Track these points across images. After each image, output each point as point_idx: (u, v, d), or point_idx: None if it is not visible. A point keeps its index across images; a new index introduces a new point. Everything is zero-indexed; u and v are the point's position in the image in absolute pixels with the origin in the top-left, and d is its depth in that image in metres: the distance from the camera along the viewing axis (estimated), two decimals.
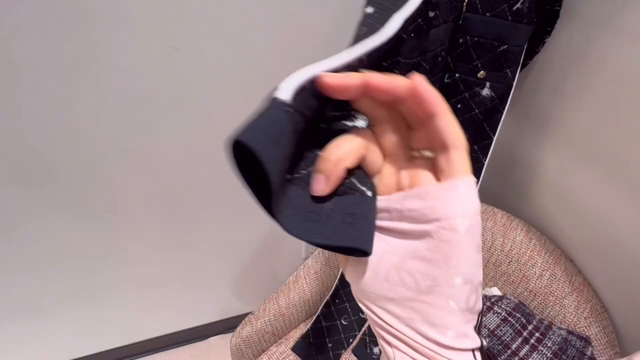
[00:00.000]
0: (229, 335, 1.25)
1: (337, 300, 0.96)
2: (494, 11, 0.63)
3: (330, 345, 0.89)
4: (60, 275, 0.89)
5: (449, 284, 0.22)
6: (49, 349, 1.02)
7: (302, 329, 0.92)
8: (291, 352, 0.87)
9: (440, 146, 0.23)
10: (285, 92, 0.20)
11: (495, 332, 0.69)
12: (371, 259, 0.25)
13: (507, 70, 0.68)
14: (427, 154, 0.24)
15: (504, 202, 0.90)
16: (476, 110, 0.72)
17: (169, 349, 1.22)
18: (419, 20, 0.52)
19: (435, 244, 0.23)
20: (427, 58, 0.61)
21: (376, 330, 0.26)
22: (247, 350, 0.87)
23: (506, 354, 0.67)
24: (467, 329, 0.23)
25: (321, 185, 0.23)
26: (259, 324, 0.88)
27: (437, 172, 0.24)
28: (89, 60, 0.65)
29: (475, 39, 0.66)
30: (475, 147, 0.77)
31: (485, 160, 0.77)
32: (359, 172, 0.24)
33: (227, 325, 1.26)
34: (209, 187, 0.88)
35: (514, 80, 0.69)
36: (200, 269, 1.05)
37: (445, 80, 0.72)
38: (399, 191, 0.25)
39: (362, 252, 0.23)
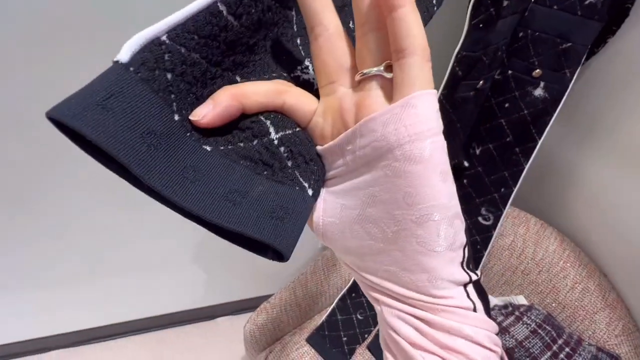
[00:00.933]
0: (236, 316, 1.25)
1: (353, 294, 0.94)
2: (563, 4, 0.58)
3: (345, 339, 0.88)
4: (74, 250, 0.87)
5: (415, 223, 0.19)
6: (61, 319, 1.03)
7: (317, 320, 0.91)
8: (305, 343, 0.86)
9: (396, 53, 0.18)
10: (125, 53, 0.16)
11: (524, 344, 0.67)
12: (332, 220, 0.22)
13: (567, 71, 0.63)
14: (375, 70, 0.20)
15: (539, 209, 0.86)
16: (525, 111, 0.68)
17: (178, 326, 1.22)
18: (492, 9, 0.47)
19: (390, 181, 0.19)
20: (489, 52, 0.57)
21: (364, 289, 0.24)
22: (261, 337, 0.86)
23: None
24: (451, 268, 0.21)
25: (203, 110, 0.19)
26: (274, 312, 0.86)
27: (392, 90, 0.19)
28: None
29: (537, 33, 0.61)
30: (517, 149, 0.73)
31: (526, 165, 0.73)
32: (276, 116, 0.21)
33: (236, 307, 1.25)
34: None
35: (571, 82, 0.65)
36: (211, 250, 1.03)
37: (496, 77, 0.68)
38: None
39: (278, 255, 0.19)
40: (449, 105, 0.64)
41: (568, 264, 0.75)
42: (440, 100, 0.70)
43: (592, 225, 0.77)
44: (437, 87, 0.72)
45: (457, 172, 0.80)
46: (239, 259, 1.07)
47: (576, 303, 0.73)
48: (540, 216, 0.83)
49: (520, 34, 0.61)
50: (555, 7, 0.58)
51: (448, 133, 0.77)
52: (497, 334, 0.23)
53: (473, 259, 0.84)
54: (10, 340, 1.00)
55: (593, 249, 0.77)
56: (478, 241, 0.82)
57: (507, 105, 0.69)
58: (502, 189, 0.78)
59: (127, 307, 1.10)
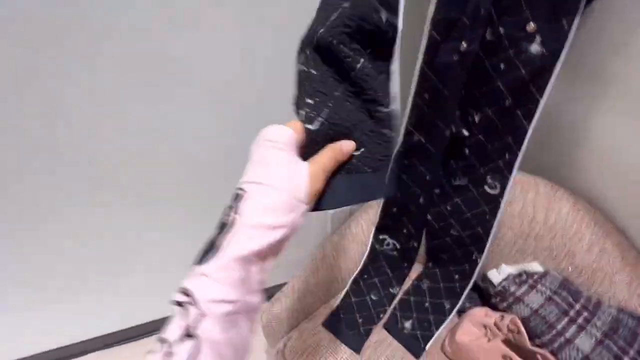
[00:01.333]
0: None
1: (365, 276, 0.94)
2: None
3: (360, 320, 0.88)
4: (68, 260, 0.89)
5: None
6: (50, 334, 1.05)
7: (333, 304, 0.92)
8: (322, 328, 0.87)
9: None
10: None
11: (539, 312, 0.65)
12: None
13: (564, 21, 0.58)
14: None
15: (549, 171, 0.82)
16: (522, 71, 0.64)
17: None
18: None
19: None
20: (468, 11, 0.53)
21: None
22: (278, 327, 0.88)
23: (550, 335, 0.63)
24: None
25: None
26: (288, 301, 0.87)
27: None
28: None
29: None
30: (518, 111, 0.69)
31: (529, 127, 0.69)
32: None
33: None
34: (221, 168, 0.85)
35: (570, 33, 0.60)
36: None
37: (488, 38, 0.63)
38: None
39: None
40: (432, 72, 0.61)
41: (583, 225, 0.72)
42: (422, 68, 0.66)
43: (605, 182, 0.73)
44: (415, 54, 0.67)
45: (458, 141, 0.76)
46: None
47: (594, 265, 0.70)
48: (550, 178, 0.79)
49: None
50: None
51: (435, 101, 0.74)
52: None
53: (428, 249, 0.81)
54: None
55: (608, 206, 0.73)
56: (486, 211, 0.80)
57: (502, 66, 0.64)
58: (507, 155, 0.74)
59: (131, 310, 1.11)
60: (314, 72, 0.35)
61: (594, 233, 0.71)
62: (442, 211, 0.85)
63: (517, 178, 0.79)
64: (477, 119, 0.72)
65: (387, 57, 0.37)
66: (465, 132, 0.73)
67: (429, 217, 0.87)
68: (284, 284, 0.91)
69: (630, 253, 0.68)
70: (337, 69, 0.35)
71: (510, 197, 0.79)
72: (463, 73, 0.64)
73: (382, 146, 0.37)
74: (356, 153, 0.37)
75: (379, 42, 0.36)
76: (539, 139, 0.80)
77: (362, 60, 0.35)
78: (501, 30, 0.61)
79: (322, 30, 0.34)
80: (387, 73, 0.38)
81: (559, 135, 0.79)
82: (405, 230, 0.91)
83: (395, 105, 0.38)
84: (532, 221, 0.77)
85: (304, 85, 0.37)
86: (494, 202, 0.78)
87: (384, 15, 0.34)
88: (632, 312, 0.64)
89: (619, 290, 0.67)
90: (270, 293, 0.93)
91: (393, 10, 0.35)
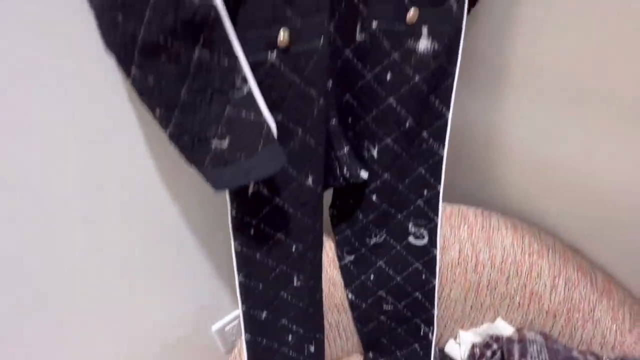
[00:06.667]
0: None
1: None
2: None
3: None
4: None
5: None
6: None
7: None
8: None
9: None
10: None
11: None
12: None
13: (451, 1, 0.41)
14: None
15: (475, 197, 0.66)
16: (416, 78, 0.45)
17: None
18: None
19: None
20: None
21: None
22: None
23: None
24: None
25: None
26: None
27: None
28: None
29: None
30: (424, 133, 0.50)
31: (443, 151, 0.51)
32: None
33: None
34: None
35: (463, 19, 0.43)
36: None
37: (358, 39, 0.43)
38: None
39: None
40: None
41: (535, 256, 0.56)
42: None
43: (538, 192, 0.59)
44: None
45: (359, 189, 0.54)
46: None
47: (567, 304, 0.53)
48: (474, 203, 0.62)
49: None
50: None
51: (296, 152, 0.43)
52: None
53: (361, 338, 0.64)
54: None
55: (549, 219, 0.59)
56: (420, 268, 0.58)
57: (389, 76, 0.45)
58: (426, 192, 0.55)
59: None
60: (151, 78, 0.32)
61: (550, 262, 0.55)
62: (365, 283, 0.61)
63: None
64: (375, 153, 0.50)
65: (222, 41, 0.32)
66: (364, 175, 0.51)
67: (349, 296, 0.62)
68: None
69: (597, 277, 0.53)
70: (175, 66, 0.32)
71: (443, 242, 0.59)
72: (323, 98, 0.42)
73: (247, 132, 0.35)
74: (223, 146, 0.35)
75: (205, 28, 0.31)
76: (458, 161, 0.64)
77: (196, 51, 0.31)
78: (374, 25, 0.41)
79: (142, 30, 0.30)
80: (228, 56, 0.33)
81: (478, 152, 0.64)
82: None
83: (249, 86, 0.34)
84: (477, 266, 0.58)
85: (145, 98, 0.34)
86: (426, 255, 0.58)
87: None
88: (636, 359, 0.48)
89: (607, 330, 0.51)
90: None
91: None
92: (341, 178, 0.50)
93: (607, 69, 0.43)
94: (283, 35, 0.35)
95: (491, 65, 0.55)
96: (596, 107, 0.46)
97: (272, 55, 0.36)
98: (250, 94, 0.34)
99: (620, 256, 0.53)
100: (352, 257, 0.60)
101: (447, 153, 0.51)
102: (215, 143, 0.35)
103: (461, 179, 0.67)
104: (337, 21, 0.41)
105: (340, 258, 0.61)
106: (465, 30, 0.43)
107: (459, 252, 0.59)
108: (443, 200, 0.55)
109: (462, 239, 0.59)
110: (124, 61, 0.32)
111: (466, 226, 0.59)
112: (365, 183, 0.53)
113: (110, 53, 0.32)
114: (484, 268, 0.58)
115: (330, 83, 0.44)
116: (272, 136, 0.36)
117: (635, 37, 0.39)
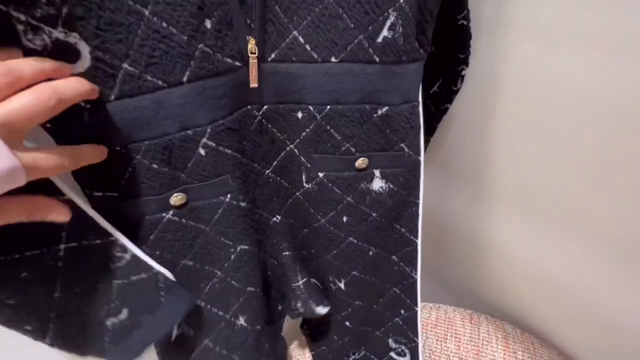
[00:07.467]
0: None
1: None
2: (345, 51, 0.30)
3: None
4: None
5: None
6: None
7: None
8: None
9: None
10: None
11: None
12: None
13: (402, 145, 0.36)
14: None
15: (462, 293, 0.61)
16: (374, 214, 0.40)
17: None
18: None
19: None
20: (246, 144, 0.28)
21: None
22: None
23: None
24: None
25: None
26: None
27: None
28: None
29: (327, 109, 0.33)
30: (394, 257, 0.46)
31: (416, 274, 0.46)
32: None
33: None
34: None
35: (420, 153, 0.38)
36: None
37: (306, 187, 0.39)
38: None
39: None
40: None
41: None
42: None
43: (523, 295, 0.54)
44: None
45: (329, 316, 0.49)
46: None
47: None
48: (458, 304, 0.57)
49: (300, 115, 0.33)
50: (331, 59, 0.30)
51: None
52: None
53: None
54: None
55: (542, 326, 0.54)
56: None
57: (345, 219, 0.40)
58: (402, 311, 0.50)
59: None
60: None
61: None
62: None
63: (423, 321, 0.56)
64: (342, 286, 0.46)
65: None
66: (321, 310, 0.45)
67: None
68: None
69: None
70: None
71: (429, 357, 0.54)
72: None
73: (144, 291, 0.33)
74: (122, 318, 0.32)
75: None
76: (433, 268, 0.59)
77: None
78: (320, 176, 0.37)
79: None
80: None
81: (461, 248, 0.59)
82: None
83: (131, 250, 0.32)
84: None
85: None
86: None
87: None
88: None
89: None
90: None
91: None
92: (296, 311, 0.45)
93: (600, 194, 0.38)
94: (176, 199, 0.32)
95: (459, 165, 0.50)
96: (591, 231, 0.41)
97: (169, 214, 0.33)
98: (134, 257, 0.32)
99: None
100: None
101: (432, 249, 0.46)
102: (111, 321, 0.32)
103: (446, 272, 0.62)
104: (277, 167, 0.37)
105: None
106: (423, 166, 0.39)
107: None
108: (430, 301, 0.50)
109: (450, 353, 0.54)
110: None
111: (454, 339, 0.54)
112: (336, 309, 0.49)
113: None
114: None
115: (278, 218, 0.40)
116: (170, 280, 0.34)
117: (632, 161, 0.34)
